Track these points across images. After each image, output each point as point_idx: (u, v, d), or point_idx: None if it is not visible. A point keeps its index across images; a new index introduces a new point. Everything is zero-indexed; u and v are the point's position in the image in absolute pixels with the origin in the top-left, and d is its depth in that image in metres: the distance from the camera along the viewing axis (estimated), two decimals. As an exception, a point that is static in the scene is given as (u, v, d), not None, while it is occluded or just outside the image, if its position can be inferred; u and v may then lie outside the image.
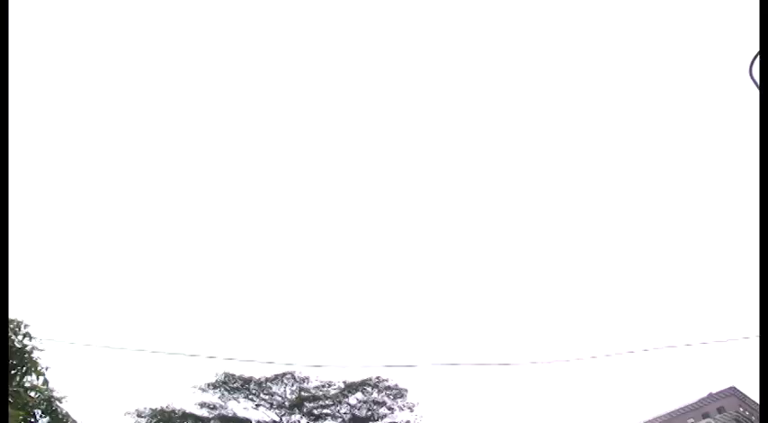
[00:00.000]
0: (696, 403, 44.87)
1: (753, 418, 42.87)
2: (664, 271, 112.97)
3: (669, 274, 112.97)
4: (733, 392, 44.62)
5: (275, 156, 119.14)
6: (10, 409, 14.01)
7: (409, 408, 36.20)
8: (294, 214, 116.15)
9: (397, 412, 36.19)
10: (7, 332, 14.90)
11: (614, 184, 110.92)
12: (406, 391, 35.93)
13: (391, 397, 36.03)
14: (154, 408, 33.68)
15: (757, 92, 8.26)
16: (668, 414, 45.13)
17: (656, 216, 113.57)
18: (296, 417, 35.58)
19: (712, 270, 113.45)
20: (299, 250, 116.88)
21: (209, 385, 34.69)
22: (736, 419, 39.64)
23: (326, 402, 35.33)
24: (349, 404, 35.68)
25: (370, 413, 36.12)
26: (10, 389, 15.16)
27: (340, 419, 35.94)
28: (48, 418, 16.14)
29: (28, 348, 15.79)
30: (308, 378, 35.04)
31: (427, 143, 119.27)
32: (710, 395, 44.93)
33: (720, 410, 42.07)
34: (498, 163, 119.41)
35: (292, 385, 35.39)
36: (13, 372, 15.77)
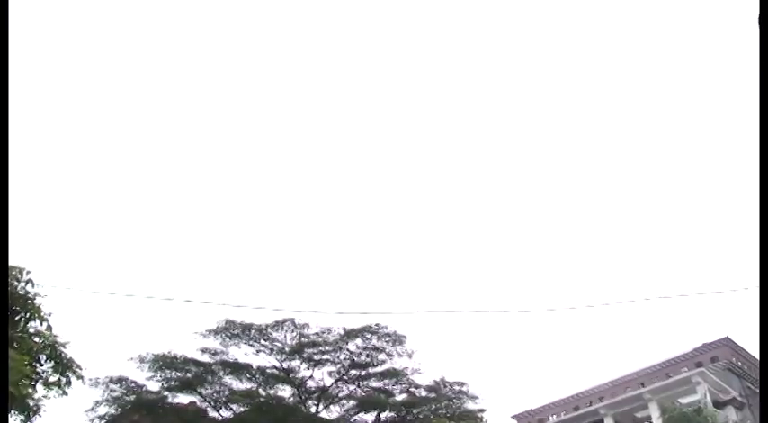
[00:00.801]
0: (690, 353, 45.48)
1: (745, 367, 43.61)
2: (663, 223, 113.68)
3: (668, 226, 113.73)
4: (726, 343, 45.18)
5: (277, 104, 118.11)
6: (15, 354, 14.14)
7: (408, 354, 36.58)
8: (295, 161, 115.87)
9: (395, 359, 36.59)
10: (7, 279, 14.94)
11: (618, 136, 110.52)
12: (405, 338, 36.27)
13: (390, 343, 36.35)
14: (156, 353, 34.03)
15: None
16: (662, 363, 45.79)
17: (657, 168, 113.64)
18: (296, 362, 36.02)
19: (710, 222, 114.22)
20: (301, 199, 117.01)
21: (210, 332, 34.95)
22: (728, 369, 40.29)
23: (326, 348, 35.65)
24: (348, 350, 36.04)
25: (369, 359, 36.53)
26: (14, 334, 15.31)
27: (339, 365, 36.38)
28: (52, 362, 16.30)
29: (30, 295, 15.90)
30: (307, 325, 35.34)
31: (426, 92, 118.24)
32: (704, 345, 45.50)
33: (714, 360, 42.74)
34: (501, 112, 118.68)
35: (292, 332, 35.67)
36: (16, 317, 15.90)
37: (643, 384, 42.15)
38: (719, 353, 43.64)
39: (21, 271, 15.89)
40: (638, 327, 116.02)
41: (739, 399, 37.60)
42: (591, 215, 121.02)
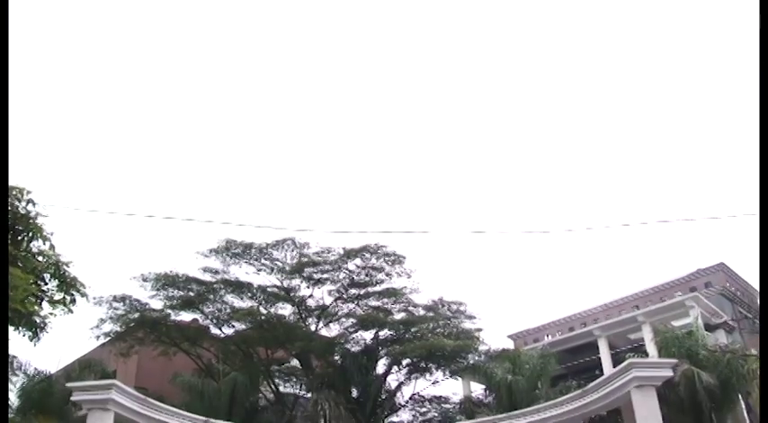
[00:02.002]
0: (684, 278, 46.00)
1: (738, 293, 44.19)
2: (664, 148, 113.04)
3: (668, 150, 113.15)
4: (721, 269, 45.58)
5: (278, 35, 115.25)
6: (20, 273, 14.30)
7: (407, 274, 36.90)
8: (296, 81, 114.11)
9: (394, 278, 36.91)
10: (7, 199, 14.94)
11: (622, 61, 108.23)
12: (404, 257, 36.51)
13: (389, 263, 36.58)
14: (158, 272, 34.45)
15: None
16: (657, 287, 46.42)
17: (657, 93, 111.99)
18: (296, 281, 36.41)
19: (710, 148, 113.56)
20: (302, 116, 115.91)
21: (211, 251, 35.22)
22: (722, 294, 40.86)
23: (326, 268, 35.91)
24: (348, 270, 36.32)
25: (368, 278, 36.86)
26: (18, 253, 15.44)
27: (339, 284, 36.76)
28: (56, 281, 16.50)
29: (32, 214, 15.93)
30: (307, 244, 35.53)
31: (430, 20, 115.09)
32: (699, 270, 45.98)
33: (708, 285, 43.27)
34: (509, 36, 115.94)
35: (292, 251, 35.90)
36: (18, 237, 16.00)
37: (637, 307, 42.90)
38: (714, 278, 44.13)
39: (21, 191, 15.89)
40: (634, 251, 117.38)
41: (730, 322, 38.42)
42: (592, 139, 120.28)
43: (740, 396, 23.74)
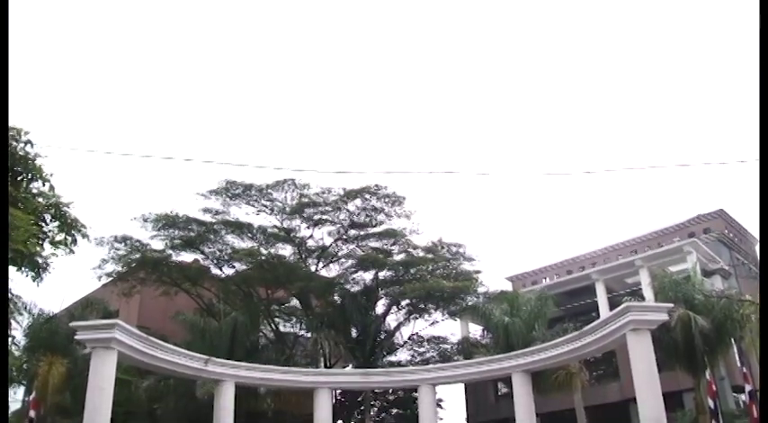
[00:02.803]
0: (684, 223, 45.90)
1: (736, 240, 44.28)
2: (667, 91, 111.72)
3: (671, 95, 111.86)
4: (720, 215, 45.43)
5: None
6: (20, 214, 14.27)
7: (407, 215, 37.08)
8: (297, 15, 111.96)
9: (394, 219, 37.12)
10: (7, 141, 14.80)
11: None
12: (404, 198, 36.60)
13: (389, 204, 36.69)
14: (159, 213, 34.53)
15: None
16: (656, 232, 46.42)
17: (658, 36, 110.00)
18: (296, 222, 36.57)
19: (713, 94, 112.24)
20: (303, 54, 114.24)
21: (211, 192, 35.23)
22: (720, 240, 40.98)
23: (326, 208, 36.03)
24: (348, 210, 36.45)
25: (368, 219, 37.02)
26: (18, 194, 15.38)
27: (339, 225, 36.94)
28: (57, 222, 16.47)
29: (30, 155, 15.79)
30: (308, 185, 35.55)
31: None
32: (698, 216, 45.84)
33: (707, 231, 43.28)
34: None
35: (292, 192, 35.93)
36: (18, 178, 15.90)
37: (636, 252, 43.08)
38: (713, 225, 44.06)
39: (19, 131, 15.70)
40: (635, 195, 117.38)
41: (727, 268, 38.65)
42: (595, 81, 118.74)
43: (733, 340, 24.11)
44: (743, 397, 28.60)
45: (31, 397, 23.87)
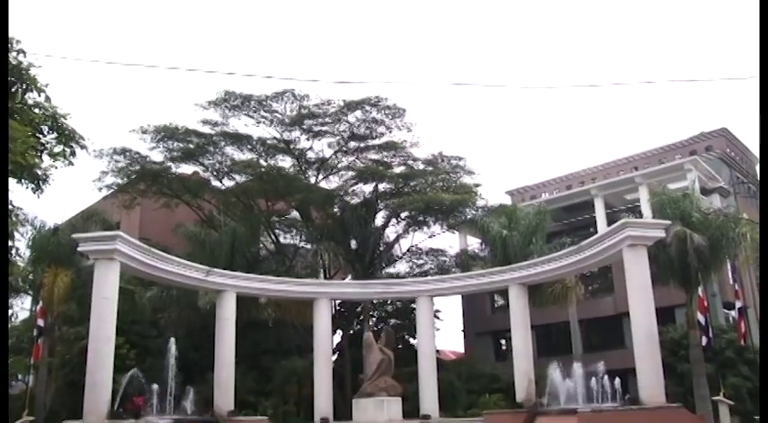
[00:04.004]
0: (686, 141, 45.39)
1: (737, 159, 43.97)
2: (675, 5, 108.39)
3: (678, 10, 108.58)
4: (723, 133, 44.81)
5: None
6: (17, 125, 14.10)
7: (407, 128, 36.76)
8: None
9: (395, 132, 36.80)
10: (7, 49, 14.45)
11: None
12: (405, 111, 36.18)
13: (390, 116, 36.29)
14: (157, 125, 34.19)
15: None
16: (657, 149, 45.98)
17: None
18: (296, 134, 36.29)
19: (719, 10, 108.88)
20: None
21: (210, 103, 34.77)
22: (721, 159, 40.68)
23: (326, 120, 35.66)
24: (348, 122, 36.08)
25: (368, 131, 36.70)
26: (13, 105, 15.14)
27: (338, 137, 36.66)
28: (55, 134, 16.30)
29: (24, 65, 15.45)
30: (307, 96, 35.07)
31: None
32: (701, 134, 45.29)
33: (708, 149, 42.86)
34: None
35: (292, 103, 35.49)
36: (12, 89, 15.61)
37: (636, 168, 42.86)
38: (715, 143, 43.58)
39: (10, 40, 15.30)
40: (638, 111, 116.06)
41: (726, 187, 38.59)
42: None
43: (728, 258, 24.34)
44: (733, 313, 29.26)
45: (38, 307, 24.36)
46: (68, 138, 16.35)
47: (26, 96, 15.85)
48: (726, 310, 33.93)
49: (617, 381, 22.21)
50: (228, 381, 25.80)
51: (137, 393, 22.03)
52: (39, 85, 15.71)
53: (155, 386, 21.80)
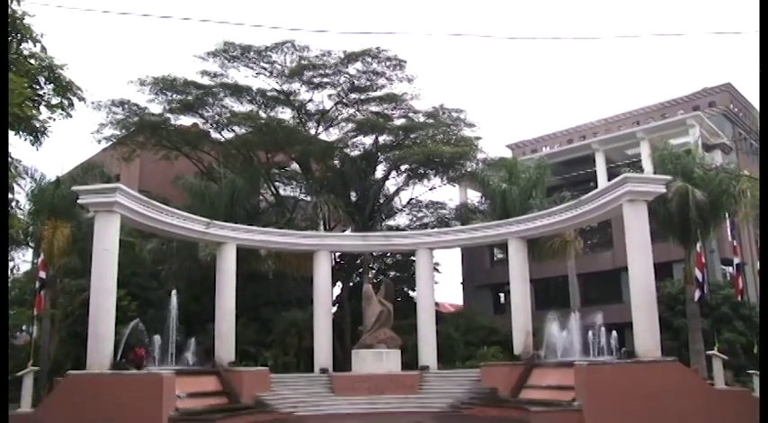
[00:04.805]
0: (689, 96, 44.86)
1: (740, 114, 43.54)
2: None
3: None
4: (727, 89, 44.22)
5: None
6: (13, 76, 13.92)
7: (408, 79, 36.40)
8: None
9: (395, 84, 36.45)
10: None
11: None
12: (406, 62, 35.77)
13: (390, 68, 35.91)
14: (156, 76, 33.79)
15: None
16: (660, 104, 45.50)
17: None
18: (295, 85, 35.92)
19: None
20: None
21: (209, 54, 34.32)
22: (724, 115, 40.30)
23: (326, 71, 35.25)
24: (348, 74, 35.69)
25: (368, 83, 36.34)
26: (9, 56, 14.91)
27: (339, 89, 36.31)
28: (52, 85, 16.12)
29: (18, 14, 15.18)
30: (308, 47, 34.63)
31: None
32: (705, 89, 44.76)
33: (712, 105, 42.34)
34: None
35: (292, 54, 35.06)
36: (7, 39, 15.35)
37: (638, 123, 42.55)
38: (718, 98, 43.10)
39: (3, -12, 14.97)
40: (643, 65, 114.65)
41: (728, 143, 38.31)
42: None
43: (727, 214, 24.34)
44: (730, 269, 29.41)
45: (40, 259, 24.46)
46: (66, 89, 16.16)
47: (21, 47, 15.62)
48: (723, 267, 34.11)
49: (614, 334, 22.54)
50: (229, 332, 26.19)
51: (139, 344, 22.35)
52: (34, 35, 15.46)
53: (156, 337, 22.14)
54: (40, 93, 16.00)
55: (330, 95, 36.67)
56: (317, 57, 34.98)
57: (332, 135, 38.30)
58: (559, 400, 20.23)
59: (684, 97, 45.18)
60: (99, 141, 34.71)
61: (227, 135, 36.85)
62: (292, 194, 39.00)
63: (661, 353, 20.50)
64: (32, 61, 15.74)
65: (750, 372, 20.51)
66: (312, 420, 21.70)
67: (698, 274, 22.10)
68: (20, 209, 21.96)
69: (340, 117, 37.62)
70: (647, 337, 20.49)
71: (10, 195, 15.05)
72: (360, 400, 25.12)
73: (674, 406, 17.88)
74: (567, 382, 20.30)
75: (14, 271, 31.34)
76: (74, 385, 19.80)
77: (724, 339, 25.66)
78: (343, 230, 37.81)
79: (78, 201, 21.96)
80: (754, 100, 45.86)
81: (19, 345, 30.44)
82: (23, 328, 32.72)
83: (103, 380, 19.69)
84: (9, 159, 14.80)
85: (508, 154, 46.55)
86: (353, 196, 37.54)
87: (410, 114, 37.42)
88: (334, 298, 33.64)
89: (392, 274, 39.94)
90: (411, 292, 38.17)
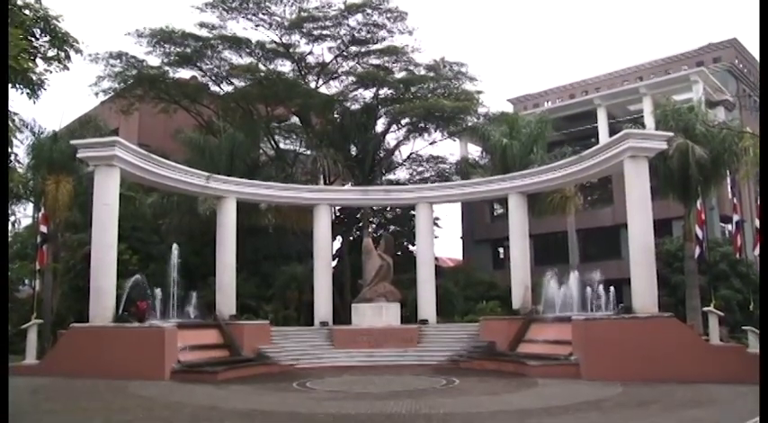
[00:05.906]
0: (694, 51, 44.13)
1: (745, 70, 42.94)
2: None
3: None
4: (733, 45, 43.47)
5: None
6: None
7: (409, 32, 35.94)
8: None
9: (396, 36, 35.98)
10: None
11: None
12: (407, 14, 35.27)
13: (391, 20, 35.42)
14: (153, 28, 33.26)
15: None
16: (664, 59, 44.84)
17: None
18: (295, 37, 35.44)
19: None
20: None
21: (207, 5, 33.73)
22: (728, 71, 39.76)
23: (326, 23, 34.75)
24: (348, 26, 35.20)
25: (369, 36, 35.88)
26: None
27: (339, 41, 35.85)
28: (47, 37, 15.88)
29: (8, -38, 14.86)
30: (308, -3, 34.11)
31: None
32: (710, 45, 43.99)
33: (716, 61, 41.67)
34: None
35: (292, 5, 34.54)
36: (0, -9, 15.07)
37: (641, 79, 42.07)
38: (723, 54, 42.42)
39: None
40: (648, 18, 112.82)
41: (732, 100, 37.88)
42: None
43: (728, 172, 24.27)
44: (729, 227, 29.46)
45: (41, 213, 24.47)
46: (62, 41, 15.90)
47: (14, -3, 15.33)
48: (722, 224, 34.20)
49: (612, 290, 22.73)
50: (230, 286, 26.41)
51: (141, 298, 22.55)
52: (27, -16, 15.17)
53: (158, 291, 22.33)
54: (36, 45, 15.76)
55: (330, 48, 36.25)
56: (317, 8, 34.52)
57: (332, 88, 38.02)
58: (557, 355, 20.57)
59: (689, 53, 44.55)
60: (97, 94, 34.43)
61: (227, 88, 36.51)
62: (292, 148, 38.85)
63: (658, 309, 20.71)
64: (27, 12, 15.46)
65: (745, 328, 20.73)
66: (313, 372, 22.03)
67: (697, 231, 22.14)
68: (18, 162, 21.87)
69: (340, 70, 37.24)
70: (645, 294, 20.70)
71: (9, 149, 14.98)
72: (359, 353, 25.49)
73: (670, 361, 18.14)
74: (564, 337, 20.61)
75: (16, 225, 31.44)
76: (77, 338, 20.10)
77: (720, 296, 25.91)
78: (343, 184, 37.78)
79: (77, 155, 21.87)
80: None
81: (22, 298, 30.69)
82: (26, 281, 32.96)
83: (106, 332, 19.98)
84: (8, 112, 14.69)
85: (509, 108, 46.23)
86: (353, 150, 37.42)
87: (411, 67, 36.98)
88: (334, 252, 33.83)
89: (392, 228, 40.02)
90: (411, 247, 38.33)
